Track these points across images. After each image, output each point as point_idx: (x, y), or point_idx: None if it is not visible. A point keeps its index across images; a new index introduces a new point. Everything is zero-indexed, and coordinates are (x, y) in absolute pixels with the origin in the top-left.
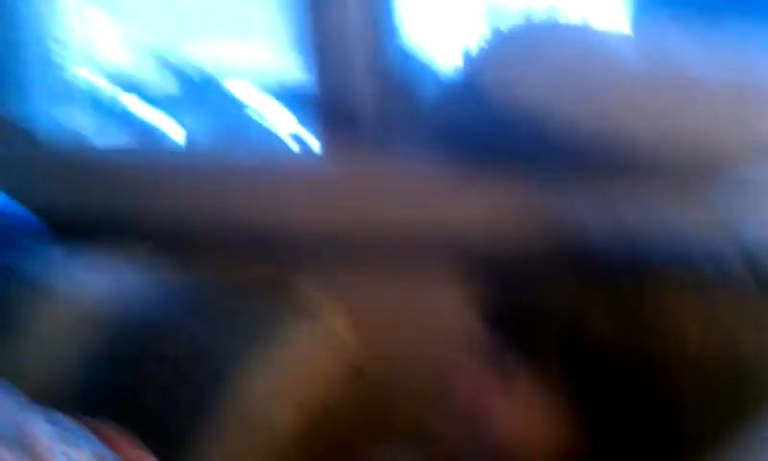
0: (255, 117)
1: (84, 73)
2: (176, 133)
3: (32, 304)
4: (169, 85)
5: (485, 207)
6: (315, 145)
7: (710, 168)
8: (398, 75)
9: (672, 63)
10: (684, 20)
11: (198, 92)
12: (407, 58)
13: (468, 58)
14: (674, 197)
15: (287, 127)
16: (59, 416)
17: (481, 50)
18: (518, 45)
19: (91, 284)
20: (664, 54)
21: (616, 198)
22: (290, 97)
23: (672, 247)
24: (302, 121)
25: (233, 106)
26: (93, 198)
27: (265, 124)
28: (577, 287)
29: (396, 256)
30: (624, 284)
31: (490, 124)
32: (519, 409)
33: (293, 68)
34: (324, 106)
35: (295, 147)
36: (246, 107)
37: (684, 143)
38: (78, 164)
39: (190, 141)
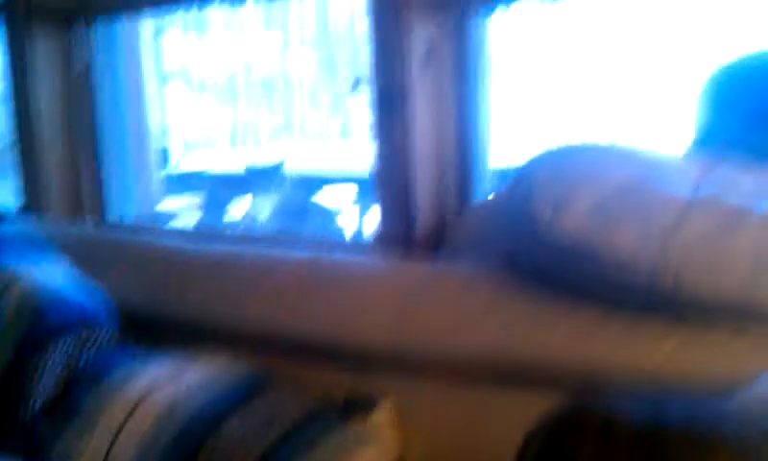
0: (325, 216)
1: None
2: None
3: (98, 398)
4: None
5: (535, 329)
6: (381, 250)
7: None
8: (461, 186)
9: (726, 193)
10: (740, 150)
11: (276, 186)
12: (470, 168)
13: (519, 174)
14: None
15: (355, 227)
16: None
17: (530, 167)
18: (566, 165)
19: (159, 381)
20: (719, 182)
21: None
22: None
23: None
24: (369, 226)
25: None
26: (168, 294)
27: (333, 223)
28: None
29: (460, 370)
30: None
31: (537, 244)
32: None
33: (364, 169)
34: (389, 209)
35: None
36: (322, 207)
37: (733, 280)
38: (154, 257)
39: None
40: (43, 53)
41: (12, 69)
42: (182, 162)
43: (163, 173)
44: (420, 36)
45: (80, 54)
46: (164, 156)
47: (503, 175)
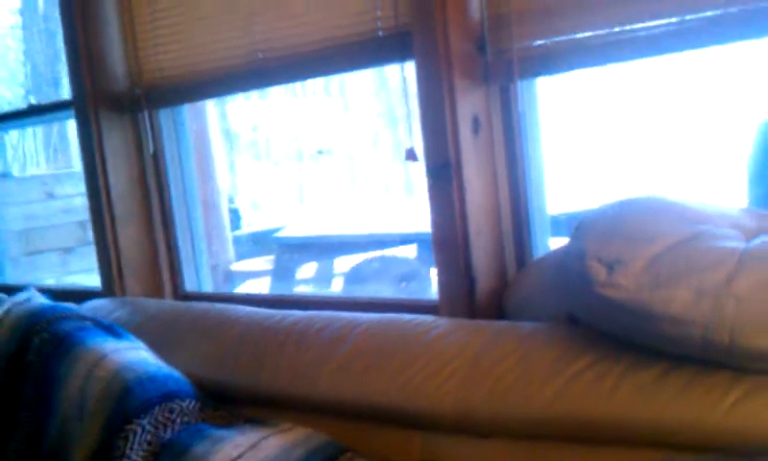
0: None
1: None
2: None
3: None
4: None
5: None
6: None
7: None
8: (519, 244)
9: None
10: None
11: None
12: (526, 226)
13: (573, 232)
14: None
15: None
16: None
17: (583, 225)
18: (619, 223)
19: (240, 452)
20: None
21: None
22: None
23: None
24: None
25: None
26: (243, 365)
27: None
28: None
29: (525, 429)
30: None
31: (594, 301)
32: None
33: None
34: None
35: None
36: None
37: None
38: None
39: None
40: (113, 138)
41: (85, 154)
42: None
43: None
44: (468, 106)
45: (148, 137)
46: (237, 217)
47: (563, 222)
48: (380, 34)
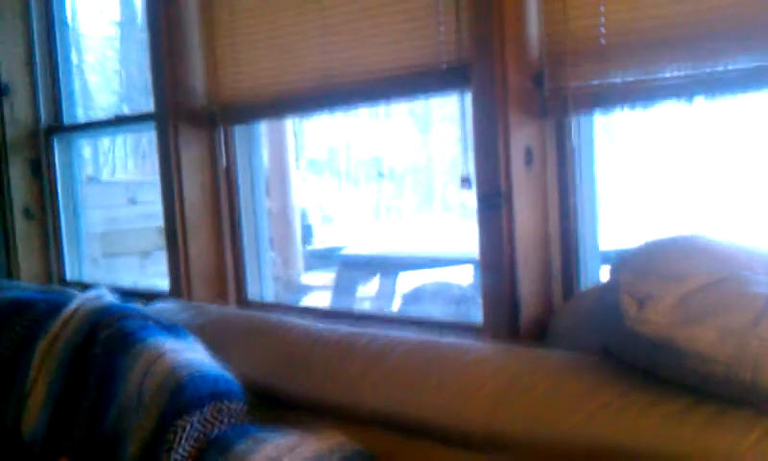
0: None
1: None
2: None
3: None
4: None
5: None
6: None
7: None
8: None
9: None
10: None
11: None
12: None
13: (612, 268)
14: None
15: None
16: None
17: (621, 262)
18: (654, 262)
19: (279, 454)
20: None
21: None
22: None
23: None
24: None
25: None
26: (293, 371)
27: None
28: None
29: (553, 453)
30: None
31: (626, 335)
32: None
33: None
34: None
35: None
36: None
37: None
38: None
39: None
40: (190, 151)
41: (162, 164)
42: (325, 239)
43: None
44: (522, 138)
45: (222, 151)
46: (309, 232)
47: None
48: (444, 65)
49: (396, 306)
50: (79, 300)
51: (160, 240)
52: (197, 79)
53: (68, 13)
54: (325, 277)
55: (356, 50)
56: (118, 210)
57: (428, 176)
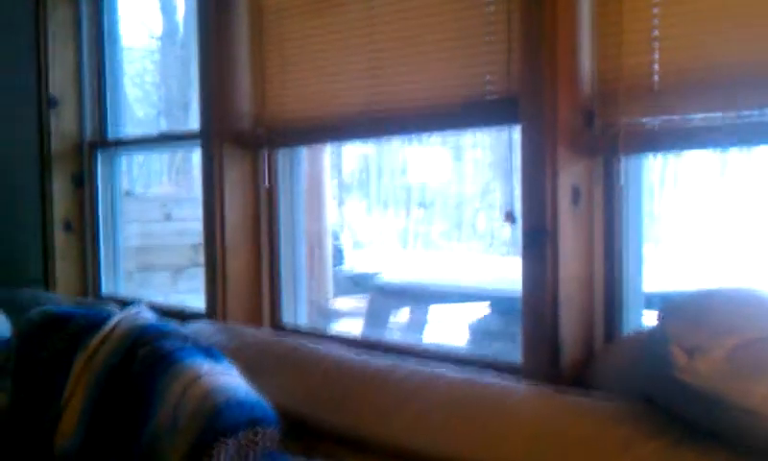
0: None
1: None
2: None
3: None
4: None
5: None
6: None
7: None
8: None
9: None
10: None
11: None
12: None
13: (659, 315)
14: None
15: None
16: None
17: (670, 309)
18: (704, 312)
19: None
20: None
21: None
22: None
23: None
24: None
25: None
26: (326, 402)
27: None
28: None
29: None
30: None
31: (672, 385)
32: None
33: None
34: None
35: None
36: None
37: None
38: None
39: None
40: (233, 172)
41: (205, 184)
42: (356, 263)
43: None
44: (570, 176)
45: (265, 174)
46: (340, 255)
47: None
48: (491, 97)
49: (462, 341)
50: (118, 317)
51: (194, 257)
52: (244, 100)
53: (118, 29)
54: (355, 302)
55: (403, 79)
56: (153, 225)
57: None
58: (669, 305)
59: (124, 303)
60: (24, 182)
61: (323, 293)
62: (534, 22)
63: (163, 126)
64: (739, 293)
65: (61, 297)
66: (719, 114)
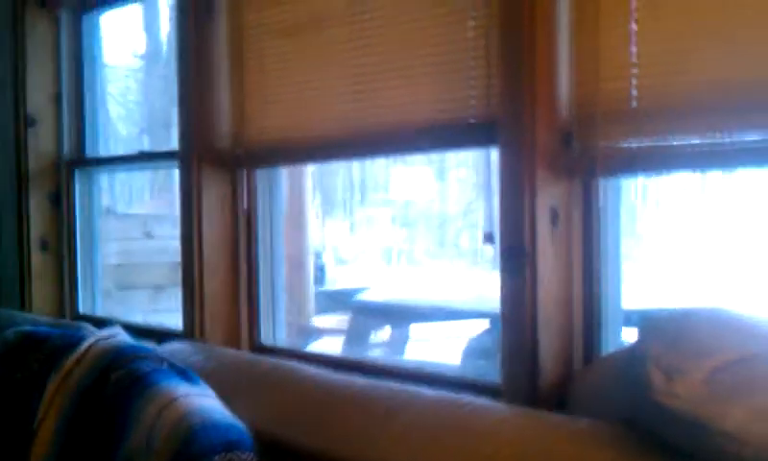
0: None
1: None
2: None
3: None
4: None
5: None
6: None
7: None
8: (588, 339)
9: None
10: None
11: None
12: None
13: (638, 336)
14: None
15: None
16: None
17: (648, 330)
18: (683, 333)
19: None
20: None
21: None
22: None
23: None
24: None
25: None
26: (305, 423)
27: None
28: None
29: None
30: None
31: (651, 408)
32: None
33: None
34: (514, 358)
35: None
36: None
37: None
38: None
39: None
40: (211, 192)
41: (183, 203)
42: (337, 280)
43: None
44: (548, 197)
45: (244, 194)
46: (322, 274)
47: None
48: (472, 120)
49: (443, 359)
50: (92, 338)
51: (174, 275)
52: (223, 120)
53: (100, 47)
54: (336, 319)
55: (385, 100)
56: (133, 243)
57: (442, 221)
58: (648, 325)
59: (101, 323)
60: (0, 201)
61: (303, 312)
62: (512, 47)
63: (146, 144)
64: (718, 313)
65: (37, 317)
66: (697, 138)
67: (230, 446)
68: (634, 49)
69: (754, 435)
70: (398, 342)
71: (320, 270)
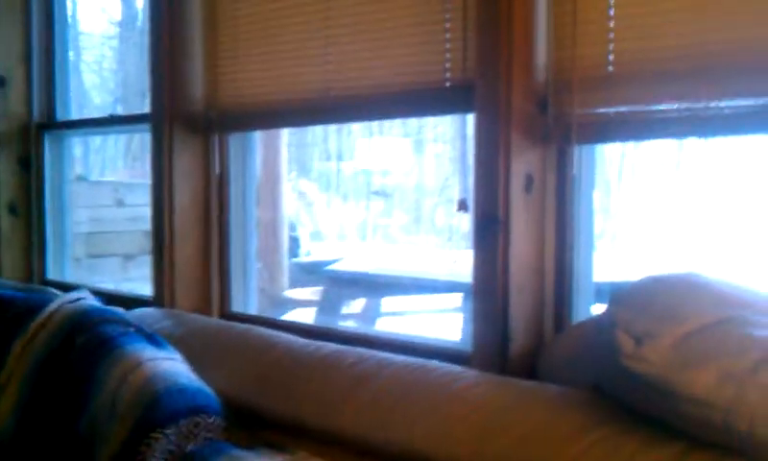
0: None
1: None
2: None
3: None
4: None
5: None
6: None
7: None
8: (559, 306)
9: None
10: None
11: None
12: (569, 290)
13: (608, 303)
14: None
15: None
16: None
17: (618, 297)
18: (653, 299)
19: None
20: None
21: None
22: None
23: None
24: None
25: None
26: (273, 389)
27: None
28: None
29: None
30: None
31: (620, 373)
32: None
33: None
34: (485, 325)
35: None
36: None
37: None
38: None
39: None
40: (183, 157)
41: (154, 168)
42: (311, 252)
43: (294, 261)
44: (523, 163)
45: (216, 159)
46: (296, 245)
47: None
48: (448, 84)
49: (382, 326)
50: (58, 301)
51: (146, 243)
52: (195, 83)
53: (69, 11)
54: (310, 291)
55: (359, 63)
56: (105, 211)
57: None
58: (618, 293)
59: (69, 289)
60: None
61: (276, 283)
62: (489, 9)
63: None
64: (687, 279)
65: (3, 281)
66: (674, 104)
67: (196, 410)
68: (611, 13)
69: (722, 399)
70: (371, 314)
71: (294, 242)
